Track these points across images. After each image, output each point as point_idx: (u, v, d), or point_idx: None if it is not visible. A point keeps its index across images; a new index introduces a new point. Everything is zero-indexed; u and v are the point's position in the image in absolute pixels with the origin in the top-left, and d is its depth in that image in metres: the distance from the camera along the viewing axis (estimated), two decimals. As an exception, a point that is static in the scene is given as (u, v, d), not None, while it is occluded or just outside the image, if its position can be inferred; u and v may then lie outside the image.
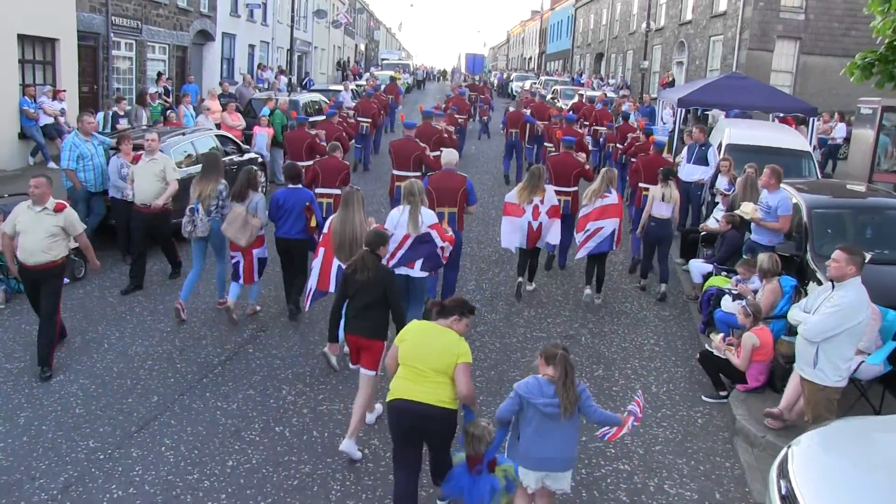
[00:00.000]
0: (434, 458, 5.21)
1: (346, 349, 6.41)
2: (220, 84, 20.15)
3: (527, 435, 4.71)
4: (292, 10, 28.39)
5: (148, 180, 9.40)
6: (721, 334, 7.85)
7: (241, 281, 8.44)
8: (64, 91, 16.58)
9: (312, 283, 7.45)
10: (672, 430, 6.77)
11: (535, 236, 9.42)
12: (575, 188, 10.69)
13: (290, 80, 27.08)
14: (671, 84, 31.49)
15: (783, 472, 4.84)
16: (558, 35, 61.87)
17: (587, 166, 10.97)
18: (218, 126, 15.23)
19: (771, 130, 14.81)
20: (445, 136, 12.56)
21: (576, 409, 4.67)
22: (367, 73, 35.55)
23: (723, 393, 7.44)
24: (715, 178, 12.41)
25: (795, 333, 7.73)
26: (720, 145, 13.57)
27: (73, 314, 8.52)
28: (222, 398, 6.77)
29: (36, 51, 16.61)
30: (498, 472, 5.05)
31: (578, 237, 9.64)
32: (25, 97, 15.38)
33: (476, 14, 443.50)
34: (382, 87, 25.52)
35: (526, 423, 4.72)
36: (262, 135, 15.33)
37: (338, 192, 9.35)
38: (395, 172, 11.06)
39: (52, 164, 15.49)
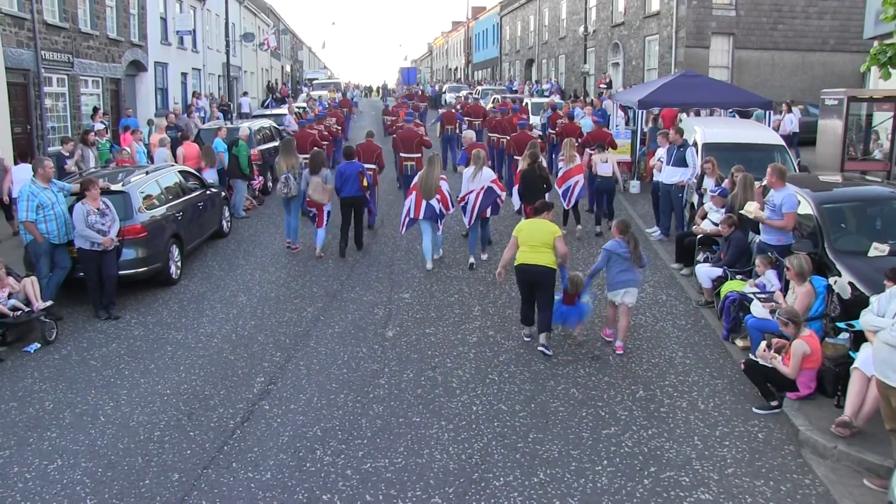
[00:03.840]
0: (541, 299, 8.29)
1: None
2: (166, 117, 19.09)
3: (613, 272, 8.26)
4: (226, 35, 27.41)
5: None
6: (763, 342, 7.50)
7: (318, 226, 12.16)
8: (-6, 134, 15.36)
9: (408, 215, 11.25)
10: (737, 449, 6.37)
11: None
12: None
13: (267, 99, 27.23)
14: (609, 85, 31.77)
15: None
16: (485, 44, 62.09)
17: (539, 141, 15.04)
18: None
19: (741, 127, 14.80)
20: (426, 138, 15.92)
21: (639, 260, 8.20)
22: (305, 94, 34.81)
23: (773, 403, 7.09)
24: (701, 179, 12.26)
25: (828, 335, 7.57)
26: (695, 145, 13.47)
27: (55, 383, 7.62)
28: (252, 467, 6.03)
29: (-39, 93, 15.35)
30: (585, 299, 8.60)
31: (561, 191, 12.93)
32: (-46, 144, 14.13)
33: (396, 28, 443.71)
34: (338, 101, 28.86)
35: (613, 265, 8.23)
36: (212, 171, 14.60)
37: (374, 167, 13.34)
38: (402, 155, 14.98)
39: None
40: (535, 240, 8.18)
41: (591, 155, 14.37)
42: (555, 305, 8.42)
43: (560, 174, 13.26)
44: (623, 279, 8.20)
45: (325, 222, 12.17)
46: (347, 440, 6.46)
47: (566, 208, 13.27)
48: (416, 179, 11.57)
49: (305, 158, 13.59)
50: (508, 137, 16.40)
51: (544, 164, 11.76)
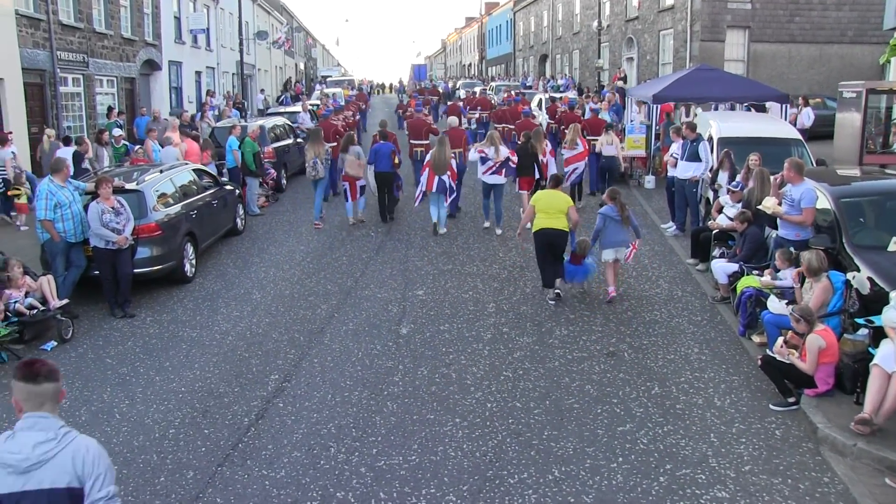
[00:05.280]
0: (555, 257, 9.70)
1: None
2: (180, 115, 19.18)
3: (607, 234, 9.70)
4: (240, 33, 27.49)
5: None
6: (780, 338, 7.41)
7: (350, 200, 14.14)
8: (11, 133, 15.45)
9: (421, 188, 13.42)
10: (754, 447, 6.30)
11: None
12: None
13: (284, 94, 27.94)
14: (624, 80, 31.56)
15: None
16: (498, 39, 61.95)
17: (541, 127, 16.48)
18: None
19: (757, 121, 14.65)
20: (434, 126, 17.73)
21: (628, 220, 9.64)
22: (318, 92, 34.93)
23: (791, 399, 6.99)
24: (716, 174, 12.14)
25: (847, 331, 7.47)
26: (710, 139, 13.34)
27: (71, 381, 7.66)
28: (266, 465, 6.04)
29: (-22, 93, 15.48)
30: (589, 260, 10.03)
31: (565, 171, 14.58)
32: (-28, 145, 14.22)
33: (410, 24, 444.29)
34: (354, 96, 30.31)
35: (606, 227, 9.67)
36: (210, 166, 14.59)
37: (392, 147, 14.39)
38: (412, 141, 16.56)
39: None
40: (553, 207, 9.65)
41: (590, 142, 16.09)
42: (564, 265, 9.95)
43: (565, 157, 14.92)
44: (616, 239, 9.73)
45: (357, 196, 14.18)
46: (361, 437, 6.45)
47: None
48: (428, 157, 13.49)
49: (330, 146, 15.60)
50: (513, 126, 18.34)
51: (534, 143, 13.62)
